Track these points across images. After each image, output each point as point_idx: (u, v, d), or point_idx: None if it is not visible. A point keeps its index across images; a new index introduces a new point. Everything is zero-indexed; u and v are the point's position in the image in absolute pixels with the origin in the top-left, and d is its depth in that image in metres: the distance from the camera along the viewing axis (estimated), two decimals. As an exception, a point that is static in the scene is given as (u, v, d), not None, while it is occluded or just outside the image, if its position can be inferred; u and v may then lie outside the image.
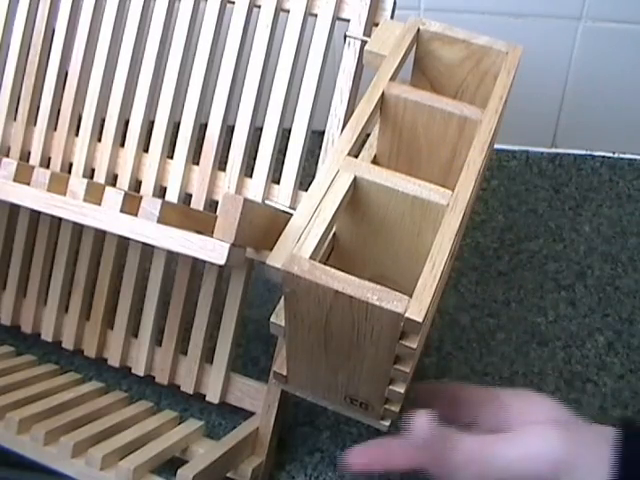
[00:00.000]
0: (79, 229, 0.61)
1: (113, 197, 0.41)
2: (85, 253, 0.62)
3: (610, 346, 0.67)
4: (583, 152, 0.81)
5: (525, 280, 0.72)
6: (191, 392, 0.60)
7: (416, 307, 0.37)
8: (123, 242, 0.60)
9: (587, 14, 0.69)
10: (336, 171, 0.43)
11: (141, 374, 0.61)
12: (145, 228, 0.40)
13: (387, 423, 0.51)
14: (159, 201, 0.40)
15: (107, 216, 0.41)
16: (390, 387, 0.45)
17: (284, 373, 0.50)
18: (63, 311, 0.63)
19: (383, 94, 0.47)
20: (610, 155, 0.81)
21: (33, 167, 0.44)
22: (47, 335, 0.63)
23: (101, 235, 0.61)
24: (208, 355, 0.60)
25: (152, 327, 0.60)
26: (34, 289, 0.63)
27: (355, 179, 0.43)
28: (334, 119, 0.55)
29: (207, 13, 0.57)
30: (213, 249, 0.39)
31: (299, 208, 0.41)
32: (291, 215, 0.41)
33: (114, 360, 0.61)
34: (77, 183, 0.42)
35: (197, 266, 0.59)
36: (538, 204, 0.76)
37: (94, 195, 0.42)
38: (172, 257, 0.59)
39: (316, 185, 0.42)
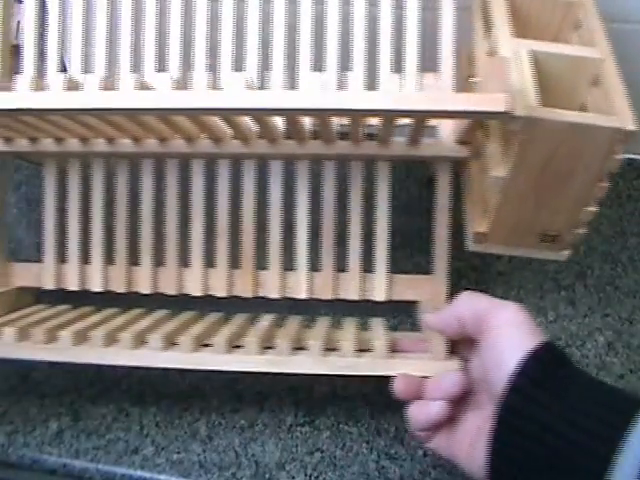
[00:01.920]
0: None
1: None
2: (223, 197, 0.65)
3: (610, 346, 0.68)
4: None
5: (525, 280, 0.72)
6: (357, 298, 0.64)
7: (629, 120, 0.50)
8: (259, 179, 0.64)
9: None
10: (514, 49, 0.53)
11: (303, 295, 0.64)
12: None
13: (567, 252, 0.59)
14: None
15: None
16: (586, 209, 0.55)
17: (485, 230, 0.57)
18: (208, 266, 0.66)
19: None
20: (610, 155, 0.84)
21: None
22: (195, 290, 0.65)
23: (237, 170, 0.64)
24: (366, 262, 0.64)
25: (306, 251, 0.64)
26: (173, 250, 0.66)
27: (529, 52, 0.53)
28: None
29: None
30: (492, 100, 0.45)
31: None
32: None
33: (274, 293, 0.65)
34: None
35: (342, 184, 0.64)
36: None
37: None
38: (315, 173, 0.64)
39: (506, 58, 0.51)
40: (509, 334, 0.48)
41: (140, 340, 0.57)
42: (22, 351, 0.57)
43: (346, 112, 0.48)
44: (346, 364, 0.55)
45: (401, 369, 0.55)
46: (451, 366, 0.54)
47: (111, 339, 0.58)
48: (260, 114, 0.51)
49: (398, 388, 0.54)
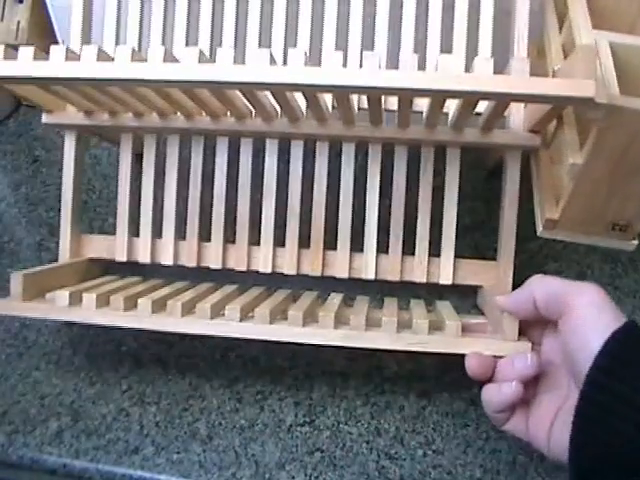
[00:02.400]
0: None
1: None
2: (295, 177, 0.66)
3: None
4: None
5: (526, 279, 0.72)
6: (424, 280, 0.65)
7: None
8: (332, 160, 0.66)
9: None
10: (594, 40, 0.55)
11: (371, 276, 0.65)
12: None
13: (635, 242, 0.60)
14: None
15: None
16: None
17: (556, 217, 0.59)
18: (277, 244, 0.67)
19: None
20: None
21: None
22: (265, 267, 0.67)
23: (310, 151, 0.66)
24: (432, 246, 0.65)
25: (376, 233, 0.66)
26: (243, 227, 0.67)
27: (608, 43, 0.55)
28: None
29: None
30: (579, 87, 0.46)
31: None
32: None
33: (342, 273, 0.66)
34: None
35: (411, 169, 0.65)
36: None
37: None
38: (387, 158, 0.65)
39: (591, 46, 0.52)
40: (592, 315, 0.49)
41: (217, 311, 0.59)
42: (101, 317, 0.59)
43: (445, 93, 0.49)
44: (419, 341, 0.56)
45: (473, 348, 0.56)
46: (522, 347, 0.55)
47: (189, 309, 0.59)
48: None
49: (471, 366, 0.55)
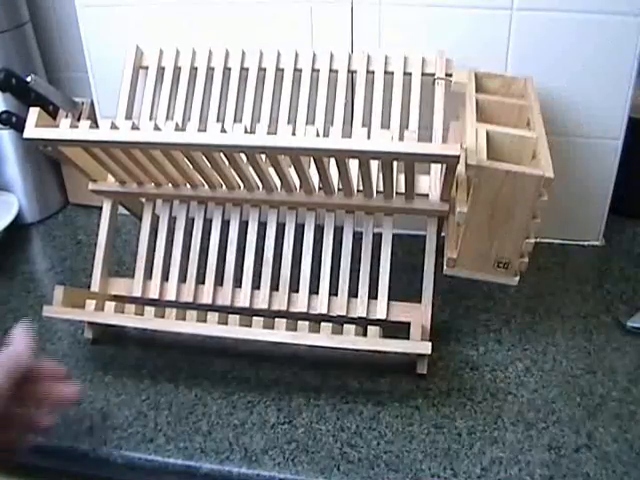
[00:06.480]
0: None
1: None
2: (270, 237, 0.88)
3: (527, 370, 0.85)
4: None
5: (462, 326, 0.92)
6: (364, 315, 0.85)
7: (548, 170, 0.70)
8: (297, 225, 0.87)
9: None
10: (476, 128, 0.76)
11: (325, 312, 0.85)
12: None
13: (517, 278, 0.78)
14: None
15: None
16: (526, 240, 0.74)
17: (455, 256, 0.77)
18: (254, 287, 0.88)
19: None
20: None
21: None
22: (244, 303, 0.87)
23: (281, 217, 0.88)
24: (371, 290, 0.85)
25: (328, 280, 0.86)
26: (229, 274, 0.89)
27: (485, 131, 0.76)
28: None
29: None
30: (449, 148, 0.66)
31: (468, 144, 0.73)
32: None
33: (302, 309, 0.86)
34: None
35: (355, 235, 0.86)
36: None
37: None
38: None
39: (470, 133, 0.73)
40: None
41: (202, 318, 0.80)
42: (116, 319, 0.81)
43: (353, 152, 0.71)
44: (349, 340, 0.77)
45: (389, 347, 0.76)
46: (422, 346, 0.75)
47: (181, 316, 0.80)
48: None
49: None
